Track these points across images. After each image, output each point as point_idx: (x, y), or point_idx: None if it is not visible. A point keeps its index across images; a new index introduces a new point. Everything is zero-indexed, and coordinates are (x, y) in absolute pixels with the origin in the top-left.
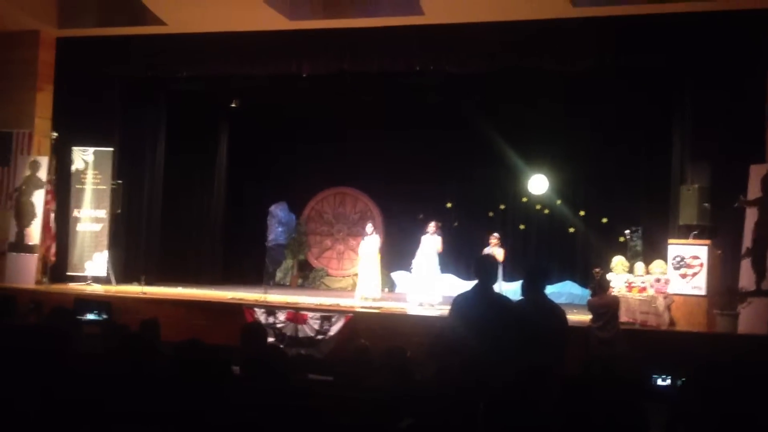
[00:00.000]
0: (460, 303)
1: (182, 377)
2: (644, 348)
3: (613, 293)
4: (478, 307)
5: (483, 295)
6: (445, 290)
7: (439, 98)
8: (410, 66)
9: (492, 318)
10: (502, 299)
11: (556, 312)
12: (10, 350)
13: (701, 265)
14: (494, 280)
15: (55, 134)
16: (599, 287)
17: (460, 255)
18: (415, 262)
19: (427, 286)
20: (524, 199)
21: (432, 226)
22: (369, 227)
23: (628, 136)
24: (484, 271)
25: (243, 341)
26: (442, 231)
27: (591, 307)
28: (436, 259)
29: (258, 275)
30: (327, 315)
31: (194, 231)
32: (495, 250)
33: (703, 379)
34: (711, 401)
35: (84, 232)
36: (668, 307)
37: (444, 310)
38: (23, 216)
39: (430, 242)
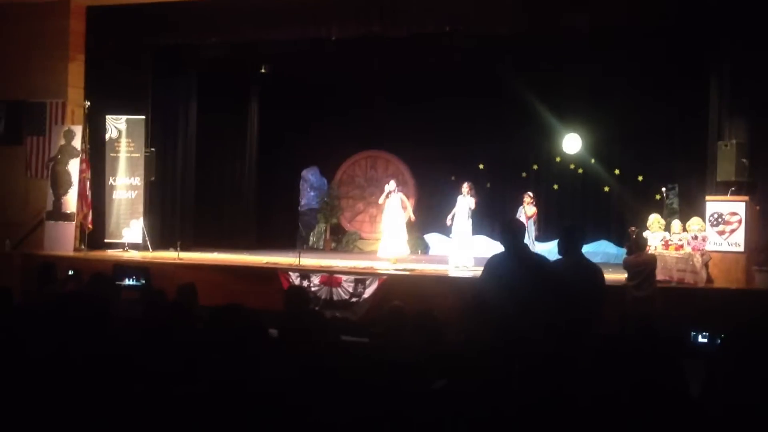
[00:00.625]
0: (493, 264)
1: (221, 341)
2: (681, 306)
3: (649, 252)
4: (512, 267)
5: (517, 255)
6: (479, 252)
7: (470, 59)
8: (440, 28)
9: (527, 278)
10: (537, 259)
11: (593, 271)
12: (52, 317)
13: (739, 221)
14: (522, 240)
15: (88, 103)
16: (636, 246)
17: (493, 216)
18: (453, 226)
19: (461, 248)
20: (558, 159)
21: (465, 186)
22: (392, 184)
23: (663, 93)
24: (512, 233)
25: (287, 304)
26: (476, 192)
27: (627, 265)
28: (468, 221)
29: (291, 239)
30: (361, 278)
31: (227, 197)
32: (528, 208)
33: (742, 336)
34: (750, 358)
35: (119, 199)
36: (705, 265)
37: (477, 272)
38: (60, 185)
39: (464, 203)
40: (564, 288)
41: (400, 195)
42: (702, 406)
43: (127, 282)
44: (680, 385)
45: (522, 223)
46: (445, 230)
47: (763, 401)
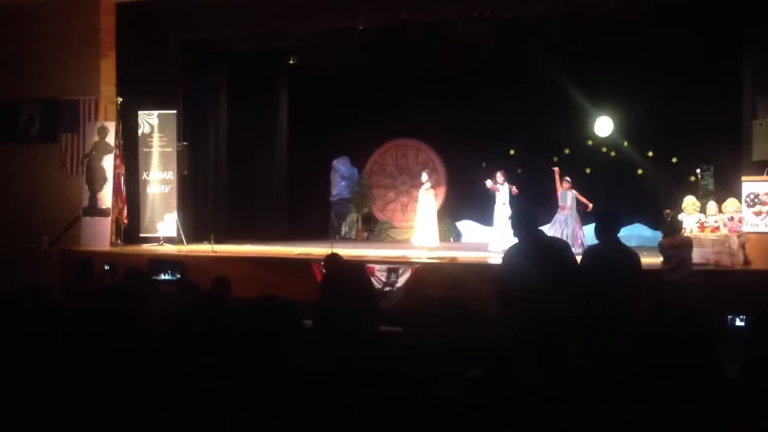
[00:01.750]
0: (510, 255)
1: (256, 332)
2: (719, 288)
3: (685, 234)
4: (528, 255)
5: (531, 243)
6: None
7: (498, 45)
8: (467, 13)
9: (543, 264)
10: (552, 242)
11: (628, 256)
12: (90, 312)
13: None
14: (534, 227)
15: (120, 99)
16: (671, 228)
17: (525, 201)
18: (494, 213)
19: (499, 234)
20: (589, 142)
21: (499, 175)
22: (424, 176)
23: (696, 73)
24: (522, 222)
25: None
26: (509, 179)
27: (662, 249)
28: (506, 208)
29: (323, 230)
30: (394, 267)
31: (259, 188)
32: (569, 193)
33: None
34: None
35: (153, 194)
36: (742, 246)
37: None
38: (95, 181)
39: (502, 192)
40: (599, 272)
41: (429, 184)
42: (739, 389)
43: (163, 276)
44: (717, 369)
45: (532, 211)
46: (477, 217)
47: None
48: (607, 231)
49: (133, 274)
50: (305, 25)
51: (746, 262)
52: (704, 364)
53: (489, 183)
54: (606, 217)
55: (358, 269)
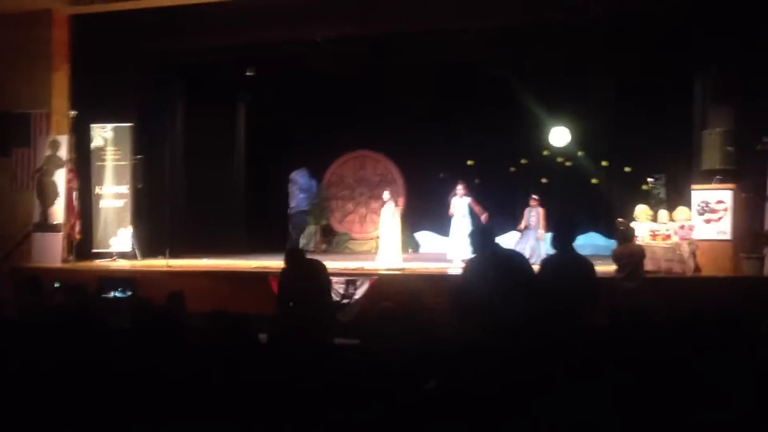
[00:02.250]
0: (470, 266)
1: (208, 347)
2: (670, 295)
3: (637, 242)
4: (485, 267)
5: (487, 256)
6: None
7: (454, 56)
8: (422, 25)
9: (498, 275)
10: (507, 254)
11: (583, 265)
12: (42, 329)
13: (726, 209)
14: (491, 240)
15: (74, 113)
16: (624, 237)
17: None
18: (452, 226)
19: (460, 245)
20: (545, 152)
21: (460, 188)
22: (386, 194)
23: (648, 84)
24: (479, 237)
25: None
26: (467, 189)
27: (615, 257)
28: (468, 219)
29: (282, 243)
30: (352, 279)
31: (217, 202)
32: (534, 211)
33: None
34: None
35: (107, 208)
36: (693, 254)
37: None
38: (46, 196)
39: (460, 204)
40: (538, 280)
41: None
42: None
43: (113, 294)
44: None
45: (488, 225)
46: (435, 228)
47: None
48: (563, 241)
49: (81, 292)
50: (263, 37)
51: (697, 269)
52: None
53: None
54: (562, 227)
55: (318, 265)
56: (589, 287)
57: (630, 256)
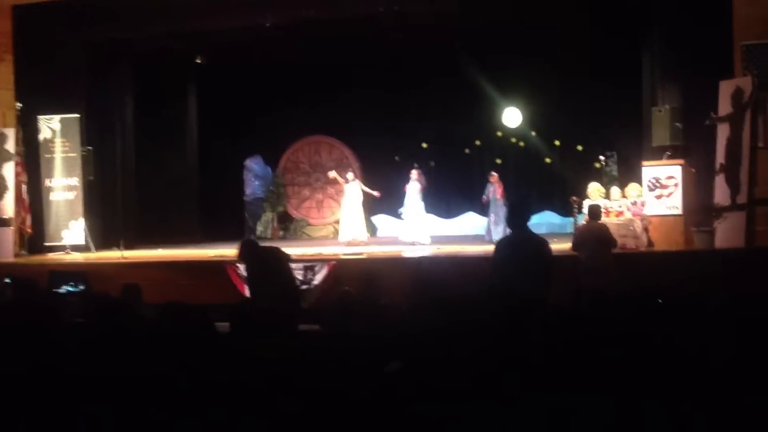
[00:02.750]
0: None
1: (165, 339)
2: (625, 271)
3: (601, 220)
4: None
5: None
6: (452, 229)
7: (407, 39)
8: (375, 9)
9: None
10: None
11: (539, 243)
12: None
13: (676, 184)
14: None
15: (20, 105)
16: (592, 215)
17: (440, 194)
18: (404, 209)
19: (417, 227)
20: (499, 133)
21: (414, 173)
22: (350, 175)
23: (598, 63)
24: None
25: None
26: (421, 172)
27: (575, 235)
28: (421, 203)
29: (239, 230)
30: (310, 264)
31: (170, 191)
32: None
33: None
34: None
35: (58, 201)
36: (645, 229)
37: (433, 248)
38: None
39: (414, 188)
40: (511, 262)
41: (359, 182)
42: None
43: (65, 288)
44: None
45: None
46: (392, 211)
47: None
48: (517, 221)
49: (29, 287)
50: (212, 23)
51: (650, 244)
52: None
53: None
54: (516, 207)
55: (278, 252)
56: (544, 265)
57: (589, 232)
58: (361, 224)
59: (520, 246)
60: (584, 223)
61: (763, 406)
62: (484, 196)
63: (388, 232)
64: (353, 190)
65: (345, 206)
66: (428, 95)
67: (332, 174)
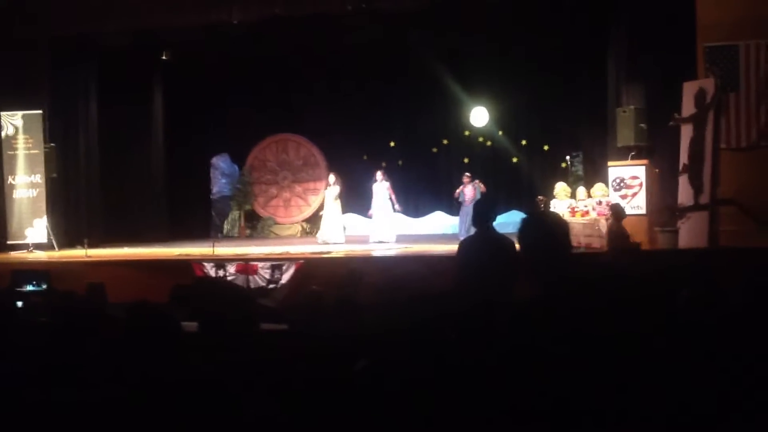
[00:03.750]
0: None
1: (131, 339)
2: (589, 269)
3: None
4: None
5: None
6: (422, 228)
7: (374, 38)
8: (342, 7)
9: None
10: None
11: (503, 243)
12: None
13: (640, 184)
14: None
15: None
16: (618, 215)
17: (408, 193)
18: (372, 210)
19: (383, 227)
20: (466, 133)
21: (379, 174)
22: (331, 178)
23: (564, 62)
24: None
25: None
26: (388, 172)
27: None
28: (388, 202)
29: (205, 229)
30: (277, 263)
31: (135, 189)
32: (469, 188)
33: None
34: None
35: (21, 198)
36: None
37: (398, 248)
38: None
39: (380, 188)
40: (475, 262)
41: (337, 187)
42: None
43: (28, 287)
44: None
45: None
46: (360, 210)
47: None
48: (481, 220)
49: None
50: (178, 19)
51: None
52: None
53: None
54: (481, 206)
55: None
56: (509, 265)
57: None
58: (339, 228)
59: (484, 246)
60: (611, 221)
61: (730, 400)
62: (457, 192)
63: (357, 231)
64: (333, 192)
65: (326, 209)
66: (397, 95)
67: (332, 179)
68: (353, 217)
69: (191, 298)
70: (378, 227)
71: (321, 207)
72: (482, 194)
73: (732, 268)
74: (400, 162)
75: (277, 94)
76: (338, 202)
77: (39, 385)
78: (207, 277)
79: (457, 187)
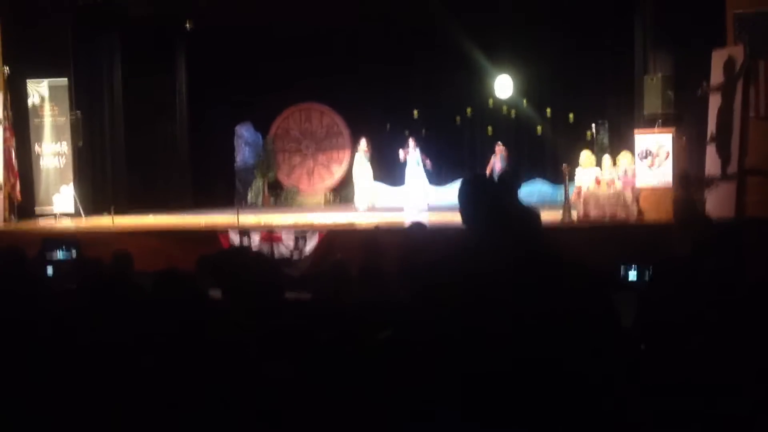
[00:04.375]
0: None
1: (160, 307)
2: (614, 241)
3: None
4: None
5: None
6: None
7: (399, 7)
8: None
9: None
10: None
11: (528, 215)
12: None
13: (667, 153)
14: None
15: (7, 69)
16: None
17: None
18: (406, 178)
19: (418, 195)
20: (490, 102)
21: (411, 142)
22: (363, 143)
23: (590, 30)
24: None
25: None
26: (418, 144)
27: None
28: (422, 171)
29: (229, 197)
30: (301, 233)
31: (160, 157)
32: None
33: (668, 269)
34: (675, 292)
35: (48, 167)
36: (636, 199)
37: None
38: None
39: (413, 157)
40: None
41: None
42: (634, 337)
43: (58, 255)
44: (611, 319)
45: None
46: (385, 179)
47: (690, 329)
48: (507, 192)
49: (15, 255)
50: None
51: (640, 214)
52: (600, 315)
53: (401, 153)
54: (506, 176)
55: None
56: (534, 236)
57: None
58: (373, 192)
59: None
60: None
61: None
62: (489, 168)
63: (382, 200)
64: (365, 158)
65: (360, 173)
66: (420, 64)
67: (363, 144)
68: (378, 186)
69: (218, 266)
70: (413, 196)
71: (348, 173)
72: (506, 164)
73: (760, 239)
74: (423, 131)
75: (301, 63)
76: (369, 167)
77: (70, 351)
78: (233, 246)
79: (481, 156)
